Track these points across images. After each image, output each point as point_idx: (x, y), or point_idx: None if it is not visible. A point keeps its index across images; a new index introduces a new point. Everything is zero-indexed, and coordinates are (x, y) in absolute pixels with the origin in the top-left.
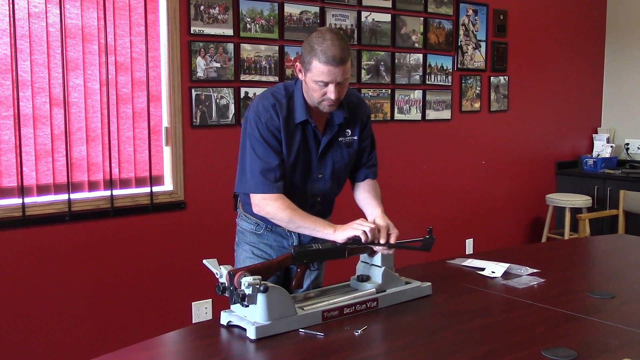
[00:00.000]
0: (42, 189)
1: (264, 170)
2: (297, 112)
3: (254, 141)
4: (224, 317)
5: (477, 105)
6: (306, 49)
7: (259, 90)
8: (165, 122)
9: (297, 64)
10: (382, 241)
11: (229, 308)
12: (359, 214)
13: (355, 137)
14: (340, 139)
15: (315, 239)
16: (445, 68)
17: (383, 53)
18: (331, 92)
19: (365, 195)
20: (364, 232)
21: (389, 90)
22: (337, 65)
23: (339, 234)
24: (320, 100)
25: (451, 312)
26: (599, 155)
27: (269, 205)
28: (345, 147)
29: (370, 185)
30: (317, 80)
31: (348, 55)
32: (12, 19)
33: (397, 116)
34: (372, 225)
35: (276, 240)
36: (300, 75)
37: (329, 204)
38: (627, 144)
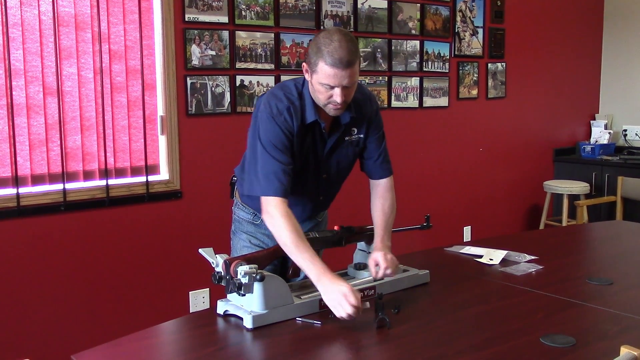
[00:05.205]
0: (36, 179)
1: (276, 171)
2: (307, 113)
3: (267, 143)
4: (221, 307)
5: (474, 92)
6: (313, 50)
7: (254, 78)
8: (160, 111)
9: (304, 64)
10: (380, 274)
11: (226, 297)
12: (357, 207)
13: (362, 135)
14: (346, 138)
15: (311, 228)
16: (442, 55)
17: (380, 40)
18: (337, 96)
19: (377, 214)
20: (348, 314)
21: (386, 78)
22: (344, 69)
23: (321, 290)
24: (326, 103)
25: (449, 299)
26: (596, 141)
27: (277, 220)
28: (351, 147)
29: (387, 199)
30: (323, 83)
31: (356, 57)
32: (4, 7)
33: (394, 104)
34: (351, 310)
35: None
36: (307, 76)
37: (331, 198)
38: (625, 130)
